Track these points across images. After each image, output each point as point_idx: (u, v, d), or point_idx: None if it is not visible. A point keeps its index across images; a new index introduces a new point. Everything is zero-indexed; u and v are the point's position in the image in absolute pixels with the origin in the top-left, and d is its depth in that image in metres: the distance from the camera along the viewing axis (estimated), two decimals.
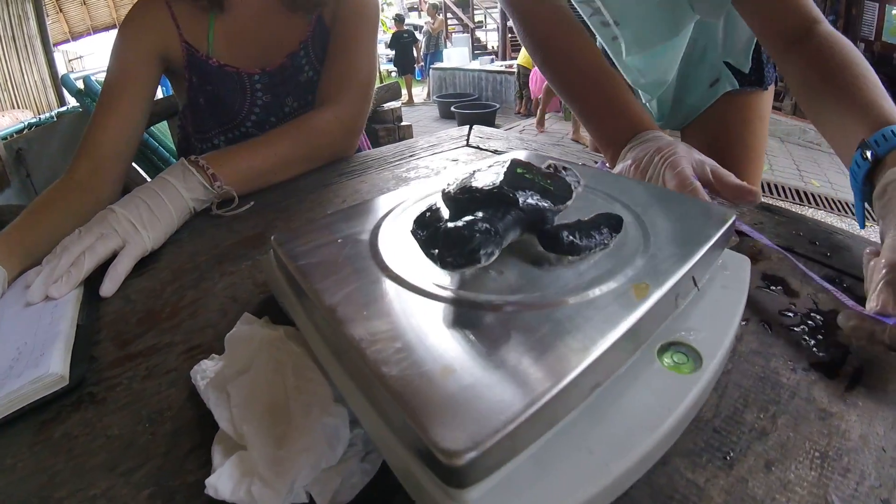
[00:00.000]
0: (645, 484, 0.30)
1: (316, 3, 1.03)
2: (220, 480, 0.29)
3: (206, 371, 0.38)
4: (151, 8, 0.99)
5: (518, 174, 0.38)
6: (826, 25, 0.68)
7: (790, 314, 0.45)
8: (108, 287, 0.59)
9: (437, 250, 0.32)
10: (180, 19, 1.00)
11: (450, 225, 0.32)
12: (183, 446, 0.36)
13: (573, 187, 0.40)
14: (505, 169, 0.38)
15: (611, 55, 1.08)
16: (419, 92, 10.74)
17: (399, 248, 0.38)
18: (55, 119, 3.67)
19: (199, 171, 0.75)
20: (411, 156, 0.97)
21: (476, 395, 0.24)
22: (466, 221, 0.33)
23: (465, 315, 0.31)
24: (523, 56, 7.74)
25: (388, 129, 3.03)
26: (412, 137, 3.55)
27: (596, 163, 0.82)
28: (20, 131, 3.45)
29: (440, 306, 0.32)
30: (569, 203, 0.38)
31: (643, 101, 1.18)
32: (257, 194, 0.82)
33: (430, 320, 0.30)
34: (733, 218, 0.40)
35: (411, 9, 18.48)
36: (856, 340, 0.41)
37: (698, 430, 0.33)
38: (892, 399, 0.36)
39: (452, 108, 7.27)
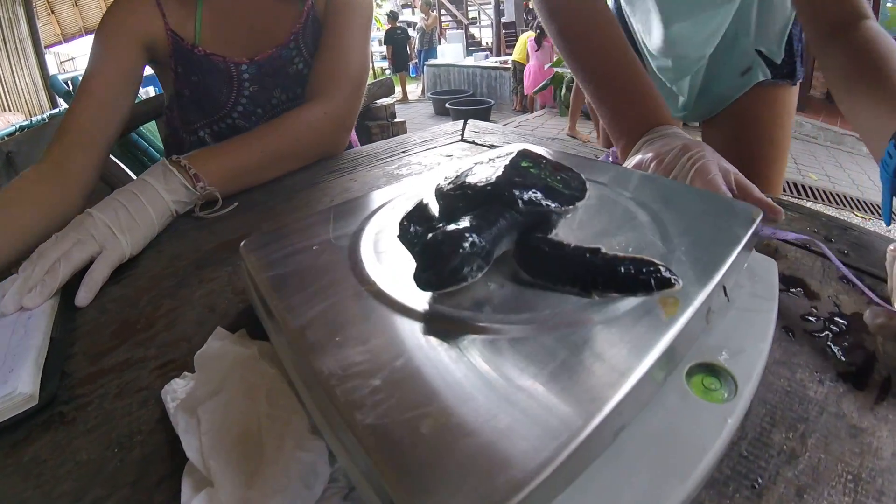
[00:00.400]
0: None
1: None
2: None
3: (176, 392, 0.35)
4: None
5: (522, 168, 0.34)
6: (874, 22, 0.65)
7: (812, 318, 0.42)
8: (84, 296, 0.55)
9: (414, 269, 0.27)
10: (166, 7, 0.96)
11: (429, 237, 0.28)
12: (152, 475, 0.33)
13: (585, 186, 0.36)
14: (508, 162, 0.34)
15: (639, 35, 1.03)
16: (413, 89, 10.69)
17: (384, 255, 0.34)
18: (46, 121, 3.63)
19: (181, 171, 0.71)
20: (403, 152, 0.94)
21: (471, 456, 0.20)
22: (447, 233, 0.28)
23: (460, 342, 0.26)
24: (518, 51, 7.71)
25: (381, 126, 2.99)
26: (406, 134, 3.53)
27: (598, 157, 0.79)
28: (11, 134, 3.41)
29: (429, 330, 0.27)
30: (579, 204, 0.34)
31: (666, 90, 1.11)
32: (242, 194, 0.79)
33: (418, 349, 0.26)
34: (760, 216, 0.35)
35: (405, 5, 18.44)
36: (883, 339, 0.38)
37: (724, 457, 0.29)
38: None
39: (447, 105, 7.24)
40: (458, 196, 0.32)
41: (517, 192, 0.31)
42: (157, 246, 0.66)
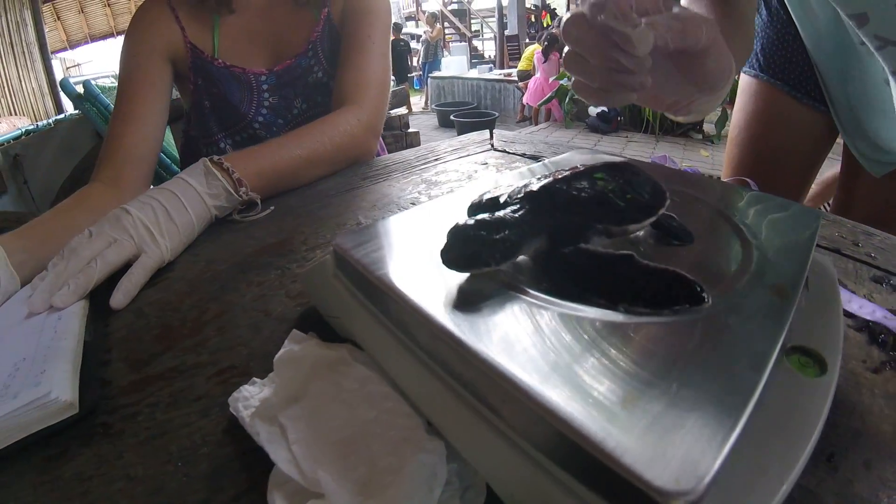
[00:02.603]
0: None
1: None
2: None
3: (248, 399, 0.32)
4: (154, 11, 0.97)
5: (607, 180, 0.33)
6: None
7: (854, 315, 0.43)
8: (120, 299, 0.53)
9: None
10: (184, 21, 0.98)
11: (461, 222, 0.28)
12: (227, 490, 0.30)
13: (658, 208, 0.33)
14: (596, 174, 0.33)
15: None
16: (417, 101, 10.74)
17: None
18: (52, 126, 3.64)
19: (224, 174, 0.69)
20: (436, 160, 0.92)
21: (674, 426, 0.20)
22: (478, 220, 0.29)
23: (602, 329, 0.26)
24: (523, 62, 7.76)
25: (395, 136, 3.00)
26: (419, 144, 3.54)
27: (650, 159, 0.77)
28: (17, 138, 3.41)
29: (568, 320, 0.26)
30: (636, 227, 0.32)
31: None
32: (278, 199, 0.77)
33: (564, 336, 0.25)
34: (819, 218, 0.37)
35: (408, 17, 18.58)
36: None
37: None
38: None
39: (452, 117, 7.25)
40: (534, 197, 0.32)
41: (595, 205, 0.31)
42: (192, 249, 0.64)
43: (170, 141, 1.76)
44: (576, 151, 0.52)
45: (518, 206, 0.31)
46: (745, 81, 1.07)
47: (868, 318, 0.42)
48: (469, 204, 0.36)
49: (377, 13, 1.03)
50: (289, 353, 0.34)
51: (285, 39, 1.03)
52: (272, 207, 0.73)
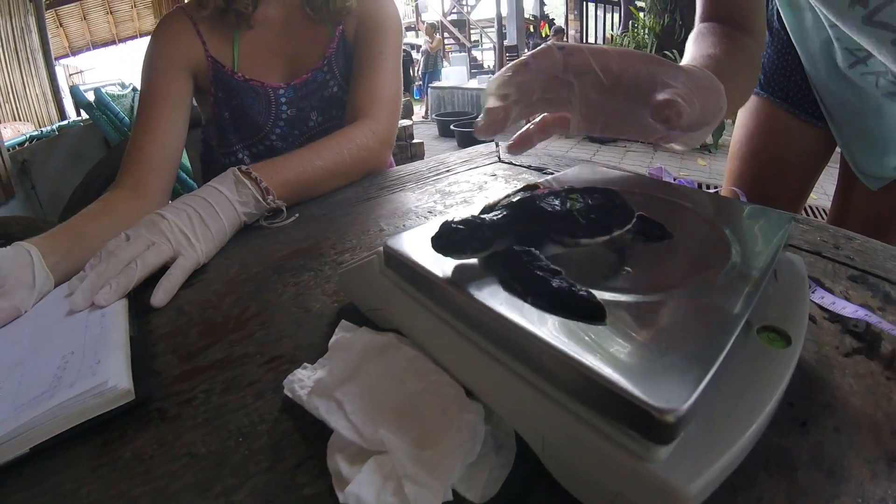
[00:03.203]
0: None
1: (338, 12, 1.06)
2: (362, 488, 0.28)
3: (303, 381, 0.37)
4: (176, 25, 1.01)
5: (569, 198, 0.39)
6: (755, 39, 0.70)
7: (832, 311, 0.49)
8: (160, 298, 0.57)
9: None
10: (205, 35, 1.02)
11: (449, 219, 0.35)
12: (289, 460, 0.34)
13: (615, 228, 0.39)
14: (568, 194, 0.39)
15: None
16: (417, 111, 10.79)
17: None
18: (56, 132, 3.68)
19: (252, 183, 0.74)
20: (447, 171, 0.97)
21: (665, 370, 0.26)
22: (462, 219, 0.35)
23: (611, 310, 0.31)
24: None
25: (400, 147, 3.05)
26: (423, 154, 3.58)
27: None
28: (21, 143, 3.46)
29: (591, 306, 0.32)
30: (588, 241, 0.37)
31: None
32: (301, 207, 0.82)
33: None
34: (791, 220, 0.44)
35: (408, 28, 18.67)
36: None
37: (778, 406, 0.36)
38: None
39: (452, 127, 7.30)
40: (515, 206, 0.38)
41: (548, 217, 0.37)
42: (224, 253, 0.68)
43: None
44: (581, 166, 0.57)
45: (501, 212, 0.37)
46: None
47: (850, 315, 0.47)
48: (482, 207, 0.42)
49: (389, 31, 1.08)
50: (342, 338, 0.39)
51: (302, 55, 1.08)
52: (297, 215, 0.78)
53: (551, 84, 0.44)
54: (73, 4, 9.25)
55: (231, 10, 1.01)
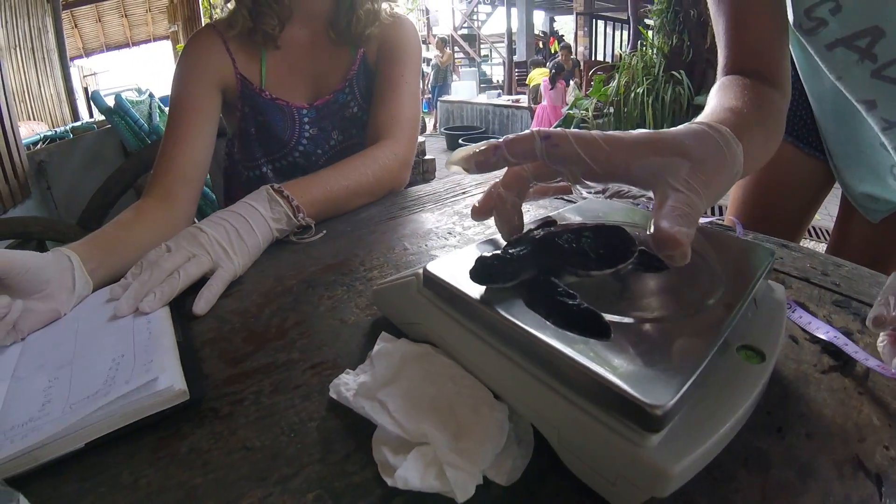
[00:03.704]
0: (728, 449, 0.37)
1: (360, 36, 1.11)
2: (408, 472, 0.33)
3: (348, 384, 0.42)
4: (207, 42, 1.07)
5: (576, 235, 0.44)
6: (780, 93, 0.69)
7: (811, 331, 0.54)
8: (203, 306, 0.61)
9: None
10: (235, 53, 1.07)
11: (484, 254, 0.41)
12: (338, 452, 0.39)
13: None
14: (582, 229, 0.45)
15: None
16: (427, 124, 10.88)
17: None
18: (70, 133, 3.74)
19: (285, 201, 0.79)
20: (463, 193, 1.02)
21: (654, 377, 0.32)
22: (494, 254, 0.41)
23: (615, 329, 0.37)
24: (534, 78, 7.93)
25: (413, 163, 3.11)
26: (435, 170, 3.63)
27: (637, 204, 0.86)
28: (35, 143, 3.52)
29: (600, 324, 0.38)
30: (598, 273, 0.42)
31: None
32: (328, 224, 0.87)
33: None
34: (774, 255, 0.48)
35: None
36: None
37: (757, 414, 0.42)
38: (893, 385, 0.46)
39: (460, 141, 7.38)
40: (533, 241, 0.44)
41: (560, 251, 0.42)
42: (258, 266, 0.73)
43: None
44: (591, 200, 0.62)
45: (525, 247, 0.42)
46: None
47: (823, 336, 0.52)
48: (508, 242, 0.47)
49: (409, 54, 1.14)
50: (384, 348, 0.44)
51: (325, 76, 1.14)
52: (324, 231, 0.83)
53: (542, 168, 0.45)
54: (88, 6, 9.36)
55: (259, 31, 1.06)
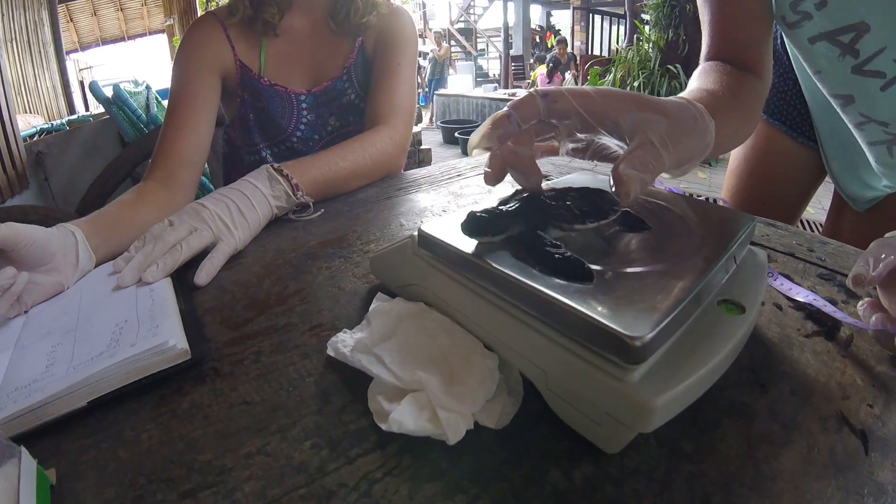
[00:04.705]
0: (712, 402, 0.40)
1: (360, 26, 1.13)
2: (402, 416, 0.35)
3: (346, 341, 0.44)
4: (208, 29, 1.08)
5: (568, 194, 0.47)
6: (761, 82, 0.72)
7: (791, 297, 0.56)
8: (204, 277, 0.63)
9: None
10: (235, 41, 1.09)
11: (474, 209, 0.43)
12: (335, 403, 0.41)
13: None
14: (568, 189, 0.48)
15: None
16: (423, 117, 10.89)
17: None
18: (66, 126, 3.74)
19: (284, 180, 0.81)
20: (458, 175, 1.04)
21: (636, 314, 0.34)
22: (485, 209, 0.43)
23: (604, 274, 0.40)
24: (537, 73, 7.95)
25: (409, 152, 3.13)
26: (430, 160, 3.66)
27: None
28: (31, 136, 3.52)
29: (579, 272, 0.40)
30: (581, 227, 0.45)
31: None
32: (326, 204, 0.89)
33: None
34: (755, 221, 0.50)
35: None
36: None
37: (741, 372, 0.44)
38: (875, 350, 0.48)
39: (456, 134, 7.39)
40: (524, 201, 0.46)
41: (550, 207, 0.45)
42: (259, 241, 0.75)
43: None
44: (580, 174, 0.64)
45: (514, 203, 0.45)
46: None
47: (802, 300, 0.54)
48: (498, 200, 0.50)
49: (406, 43, 1.16)
50: (380, 306, 0.46)
51: (323, 64, 1.16)
52: (322, 210, 0.85)
53: (539, 128, 0.47)
54: (84, 0, 9.34)
55: (259, 19, 1.08)
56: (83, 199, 2.08)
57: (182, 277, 0.64)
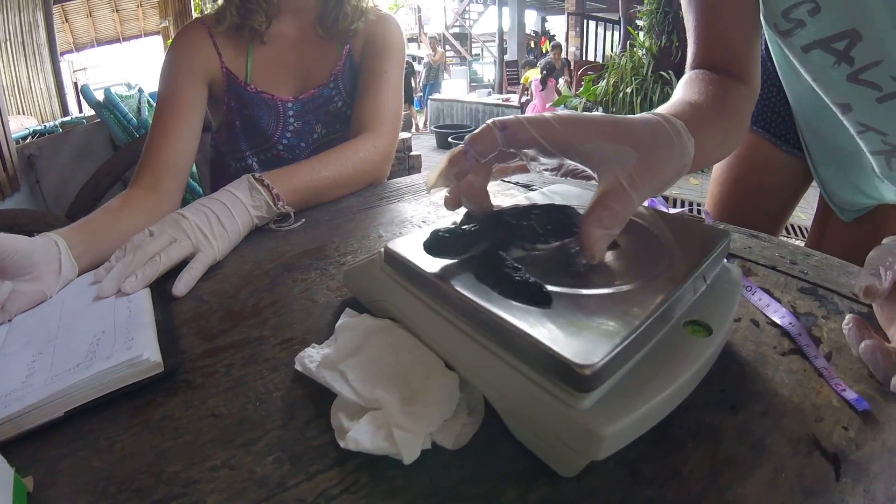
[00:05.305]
0: (678, 423, 0.40)
1: (347, 32, 1.14)
2: (360, 434, 0.36)
3: (312, 356, 0.45)
4: (195, 36, 1.09)
5: (525, 212, 0.48)
6: (749, 89, 0.71)
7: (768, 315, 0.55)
8: (182, 288, 0.64)
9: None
10: (222, 48, 1.10)
11: (438, 228, 0.44)
12: (299, 418, 0.42)
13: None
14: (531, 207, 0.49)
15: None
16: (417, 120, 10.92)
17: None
18: (59, 128, 3.73)
19: (265, 189, 0.82)
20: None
21: (588, 342, 0.34)
22: (447, 229, 0.43)
23: (556, 299, 0.39)
24: (528, 77, 7.99)
25: (398, 158, 3.13)
26: (421, 166, 3.66)
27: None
28: (24, 138, 3.52)
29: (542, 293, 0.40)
30: (544, 247, 0.46)
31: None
32: (308, 213, 0.90)
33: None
34: (729, 237, 0.50)
35: (410, 40, 18.79)
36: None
37: (711, 391, 0.44)
38: (855, 369, 0.47)
39: (450, 139, 7.41)
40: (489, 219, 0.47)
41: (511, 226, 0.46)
42: (238, 251, 0.76)
43: None
44: (566, 184, 0.65)
45: (476, 223, 0.45)
46: None
47: (778, 321, 0.53)
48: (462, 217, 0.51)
49: (393, 50, 1.17)
50: (347, 322, 0.47)
51: (311, 71, 1.16)
52: (303, 220, 0.86)
53: (501, 155, 0.46)
54: (79, 0, 9.32)
55: (246, 26, 1.09)
56: (74, 203, 2.08)
57: (161, 287, 0.64)
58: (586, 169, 0.45)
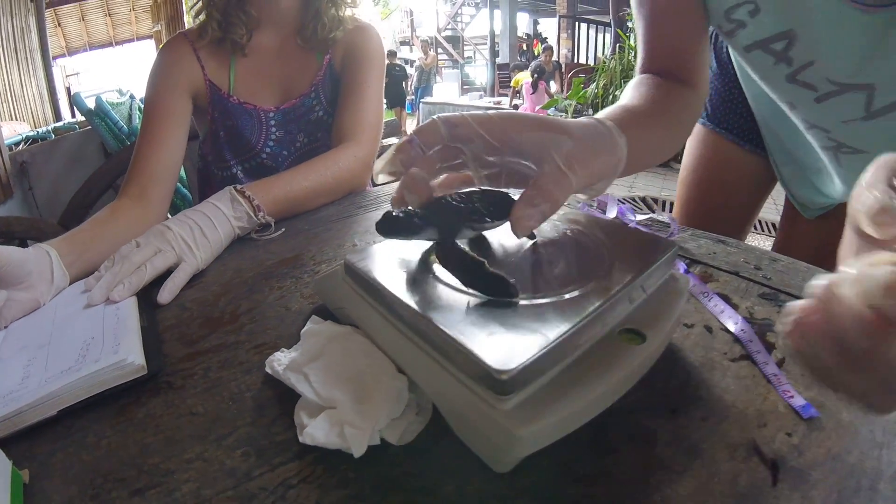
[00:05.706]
0: (616, 426, 0.42)
1: (326, 41, 1.18)
2: (316, 430, 0.40)
3: (280, 360, 0.49)
4: (179, 50, 1.14)
5: (471, 197, 0.49)
6: (696, 94, 0.72)
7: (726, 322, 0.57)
8: (166, 296, 0.68)
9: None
10: (205, 61, 1.14)
11: (393, 212, 0.46)
12: (267, 416, 0.46)
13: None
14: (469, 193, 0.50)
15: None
16: (408, 124, 10.93)
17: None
18: (52, 133, 3.76)
19: (246, 201, 0.86)
20: None
21: (509, 344, 0.37)
22: (400, 211, 0.46)
23: (493, 304, 0.43)
24: (519, 80, 8.04)
25: None
26: None
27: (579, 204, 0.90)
28: (17, 143, 3.54)
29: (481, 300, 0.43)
30: (490, 225, 0.49)
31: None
32: (288, 222, 0.94)
33: (473, 308, 0.42)
34: (676, 247, 0.51)
35: (402, 42, 18.83)
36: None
37: (652, 396, 0.45)
38: (806, 380, 0.47)
39: None
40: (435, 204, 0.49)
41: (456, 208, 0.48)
42: (221, 260, 0.80)
43: None
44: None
45: (426, 209, 0.47)
46: (695, 128, 1.14)
47: (731, 328, 0.54)
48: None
49: (373, 60, 1.20)
50: (312, 328, 0.51)
51: (292, 81, 1.20)
52: (283, 229, 0.90)
53: (446, 153, 0.48)
54: (72, 4, 9.30)
55: (227, 39, 1.13)
56: (66, 211, 2.11)
57: (147, 295, 0.68)
58: (528, 172, 0.47)
